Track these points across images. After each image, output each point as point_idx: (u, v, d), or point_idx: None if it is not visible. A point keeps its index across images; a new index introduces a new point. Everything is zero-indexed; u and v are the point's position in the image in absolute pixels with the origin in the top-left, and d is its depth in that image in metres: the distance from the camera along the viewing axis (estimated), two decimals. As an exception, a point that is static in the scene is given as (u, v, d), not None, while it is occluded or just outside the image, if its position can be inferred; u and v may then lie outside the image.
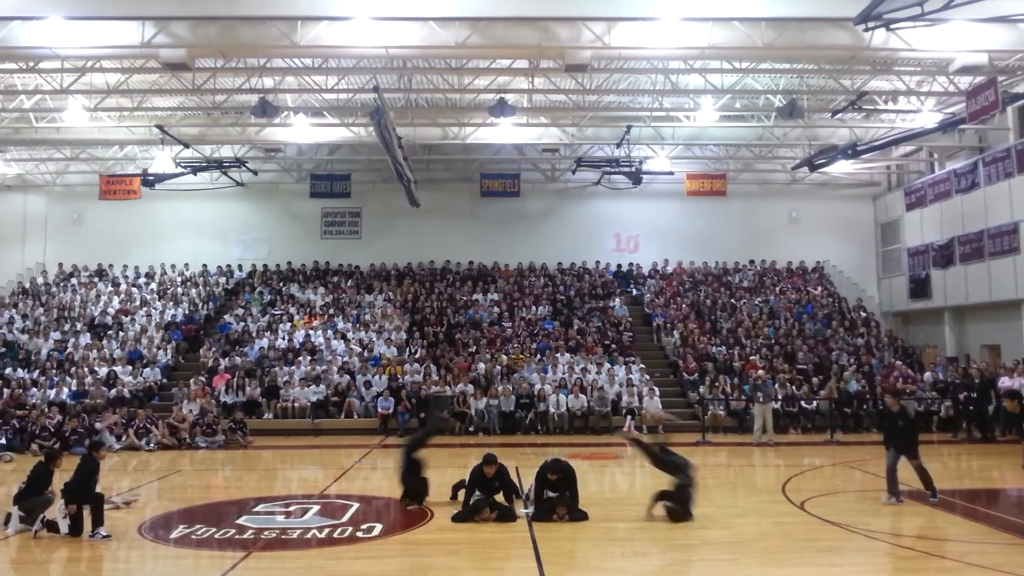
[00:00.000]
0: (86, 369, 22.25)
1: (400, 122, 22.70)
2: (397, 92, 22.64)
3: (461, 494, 10.77)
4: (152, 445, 18.39)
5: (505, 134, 24.86)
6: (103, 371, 22.25)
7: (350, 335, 24.82)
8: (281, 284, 28.46)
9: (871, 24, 15.61)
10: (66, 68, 19.54)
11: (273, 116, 20.96)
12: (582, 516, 10.14)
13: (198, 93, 21.85)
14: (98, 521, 9.48)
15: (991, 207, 23.35)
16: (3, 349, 23.60)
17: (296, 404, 21.21)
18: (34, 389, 21.27)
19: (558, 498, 10.30)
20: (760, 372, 20.85)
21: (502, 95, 20.78)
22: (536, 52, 17.79)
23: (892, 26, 15.78)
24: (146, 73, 20.48)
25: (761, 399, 18.94)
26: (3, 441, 17.92)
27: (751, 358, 22.90)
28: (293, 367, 22.68)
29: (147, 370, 22.61)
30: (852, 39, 16.93)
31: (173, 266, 28.87)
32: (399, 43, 16.94)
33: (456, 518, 10.10)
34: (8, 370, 22.29)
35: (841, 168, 26.91)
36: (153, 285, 28.08)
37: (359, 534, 9.64)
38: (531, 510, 10.39)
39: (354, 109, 23.50)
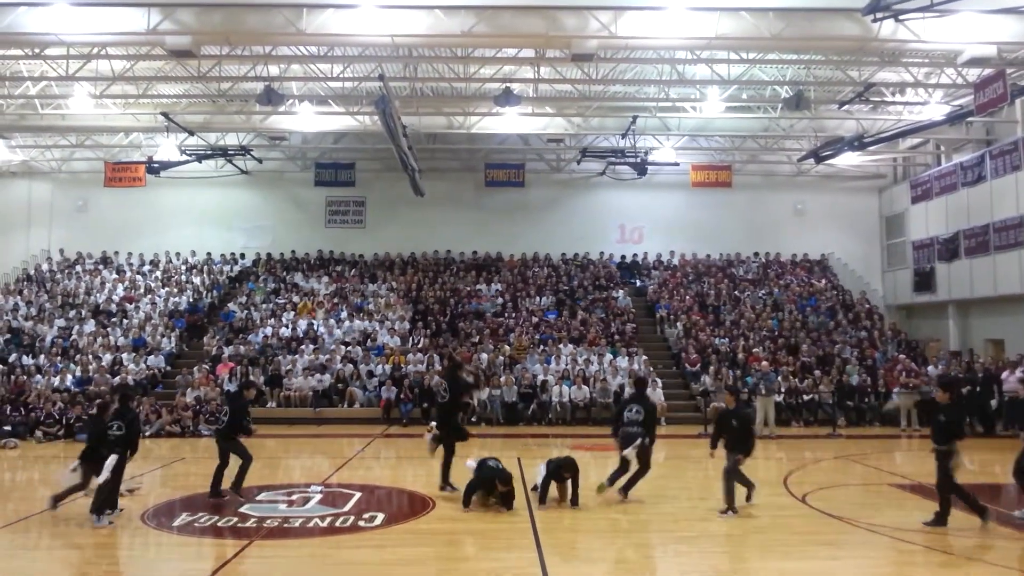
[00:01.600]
0: (90, 356, 22.32)
1: (405, 111, 22.66)
2: (402, 81, 22.55)
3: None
4: (155, 429, 18.51)
5: (510, 124, 24.79)
6: (107, 358, 22.32)
7: (355, 323, 24.82)
8: (285, 273, 28.47)
9: (879, 15, 15.54)
10: (71, 55, 19.50)
11: (278, 104, 20.90)
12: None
13: (203, 80, 21.80)
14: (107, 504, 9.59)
15: (997, 200, 23.24)
16: (8, 336, 23.67)
17: (298, 393, 21.28)
18: (39, 376, 21.34)
19: (565, 460, 10.55)
20: (764, 364, 20.84)
21: (507, 84, 20.69)
22: (542, 41, 17.70)
23: (901, 17, 15.69)
24: (151, 60, 20.43)
25: (764, 392, 18.92)
26: (8, 428, 18.02)
27: (754, 350, 22.89)
28: (296, 356, 22.73)
29: (151, 358, 22.66)
30: (860, 30, 16.81)
31: (178, 254, 28.89)
32: (405, 31, 16.86)
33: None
34: (13, 357, 22.37)
35: (847, 160, 26.78)
36: (157, 273, 28.13)
37: (361, 523, 9.69)
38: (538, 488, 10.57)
39: (359, 97, 23.45)
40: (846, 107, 22.56)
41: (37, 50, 19.28)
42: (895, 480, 12.56)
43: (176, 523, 9.66)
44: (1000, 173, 23.11)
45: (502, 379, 21.38)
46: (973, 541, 8.81)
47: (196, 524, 9.59)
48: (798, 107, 20.71)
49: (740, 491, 10.26)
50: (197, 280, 27.68)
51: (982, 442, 18.20)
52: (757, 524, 9.71)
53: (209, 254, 29.06)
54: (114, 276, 27.76)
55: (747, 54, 19.83)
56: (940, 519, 9.36)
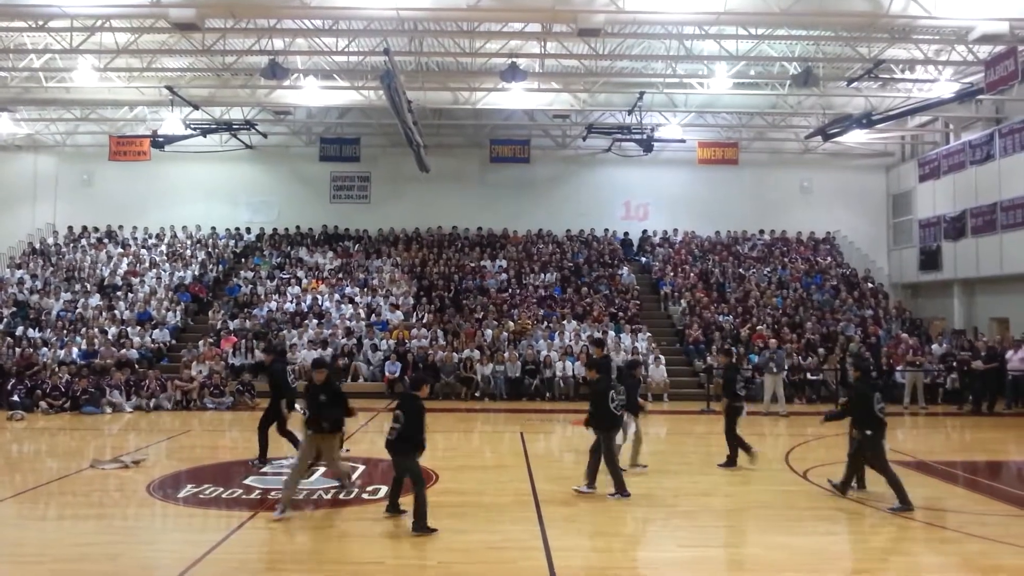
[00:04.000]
0: (96, 329, 22.43)
1: (410, 86, 22.50)
2: (408, 55, 22.39)
3: None
4: (161, 401, 18.62)
5: (516, 99, 24.62)
6: (113, 331, 22.43)
7: (357, 299, 24.89)
8: (289, 248, 28.50)
9: (890, -10, 15.37)
10: (75, 27, 19.37)
11: (283, 78, 20.79)
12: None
13: (207, 54, 21.67)
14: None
15: (1006, 179, 23.11)
16: (14, 309, 23.78)
17: (303, 367, 21.35)
18: (45, 349, 21.46)
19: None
20: (773, 342, 20.83)
21: (514, 59, 20.53)
22: (549, 16, 17.53)
23: (911, -7, 15.52)
24: (156, 33, 20.32)
25: (775, 369, 18.93)
26: (16, 400, 18.16)
27: (758, 328, 22.88)
28: (300, 330, 22.81)
29: (156, 331, 22.77)
30: (870, 6, 16.63)
31: (183, 228, 28.93)
32: (410, 5, 16.73)
33: None
34: (19, 330, 22.49)
35: (855, 138, 26.59)
36: (162, 247, 28.17)
37: (365, 496, 9.78)
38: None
39: (364, 72, 23.29)
40: (855, 84, 22.34)
41: (40, 22, 19.16)
42: (896, 457, 12.58)
43: (181, 494, 9.76)
44: (1009, 152, 22.97)
45: (506, 355, 21.44)
46: (970, 517, 8.85)
47: (201, 496, 9.69)
48: (806, 84, 20.49)
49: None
50: (202, 254, 27.72)
51: (984, 419, 18.29)
52: (758, 499, 9.77)
53: (214, 228, 29.08)
54: (119, 250, 27.81)
55: (755, 30, 19.62)
56: (729, 462, 11.53)
